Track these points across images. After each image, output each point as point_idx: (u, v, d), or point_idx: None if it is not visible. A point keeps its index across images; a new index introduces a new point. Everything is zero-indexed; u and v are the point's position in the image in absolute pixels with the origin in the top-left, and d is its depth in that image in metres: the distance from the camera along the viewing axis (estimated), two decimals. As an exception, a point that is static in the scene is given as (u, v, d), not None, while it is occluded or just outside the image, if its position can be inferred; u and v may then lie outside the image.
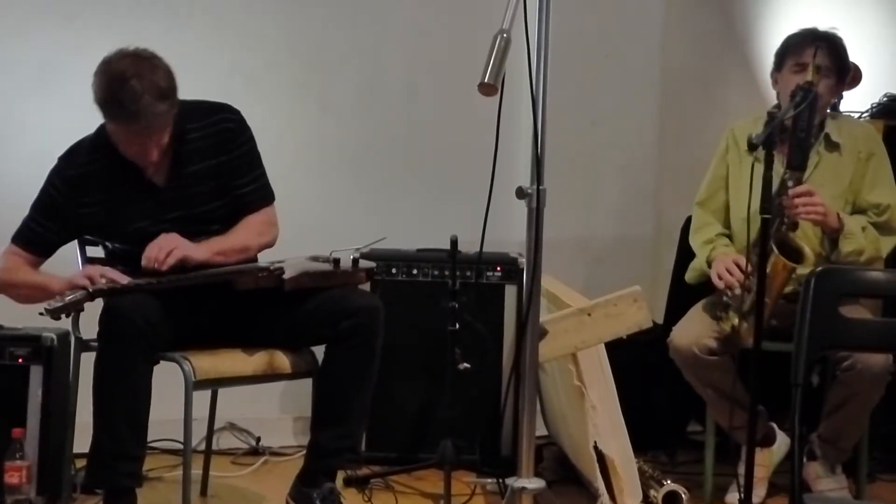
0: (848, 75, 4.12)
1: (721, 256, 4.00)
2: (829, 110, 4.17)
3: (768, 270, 3.68)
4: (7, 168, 4.42)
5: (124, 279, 3.41)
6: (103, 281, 3.39)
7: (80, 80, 4.38)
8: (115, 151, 3.51)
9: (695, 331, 3.94)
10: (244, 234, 3.64)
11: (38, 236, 3.57)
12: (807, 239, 3.93)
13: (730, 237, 4.14)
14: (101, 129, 3.55)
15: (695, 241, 4.20)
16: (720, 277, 3.90)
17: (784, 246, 3.76)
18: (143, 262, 3.42)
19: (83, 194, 3.53)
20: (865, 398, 3.83)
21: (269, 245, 3.70)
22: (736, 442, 3.99)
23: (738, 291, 3.82)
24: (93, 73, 3.40)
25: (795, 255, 3.76)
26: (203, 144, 3.59)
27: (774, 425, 4.11)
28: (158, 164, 3.54)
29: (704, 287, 4.09)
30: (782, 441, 4.11)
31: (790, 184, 3.77)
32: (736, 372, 3.88)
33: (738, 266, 3.85)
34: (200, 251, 3.50)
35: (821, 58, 3.94)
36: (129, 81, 3.33)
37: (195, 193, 3.58)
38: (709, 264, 4.03)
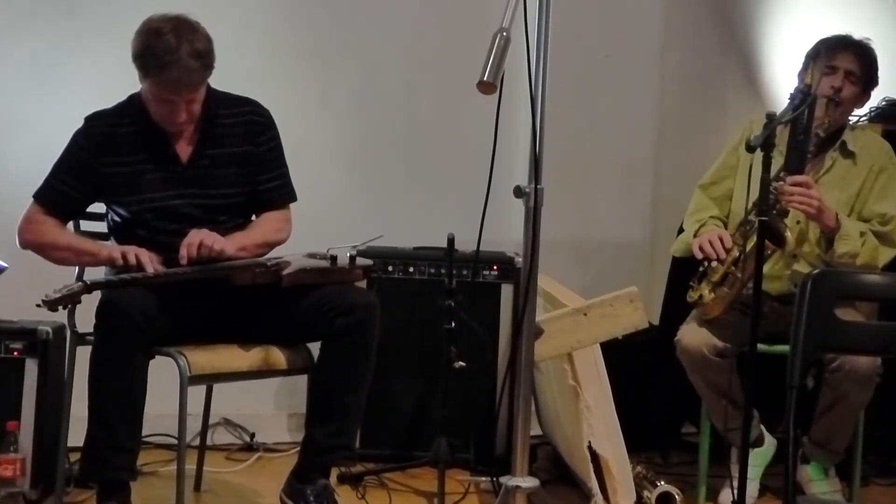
0: (874, 87, 4.12)
1: (707, 231, 4.02)
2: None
3: (748, 249, 3.71)
4: (6, 164, 4.42)
5: (161, 270, 3.43)
6: (150, 268, 3.41)
7: (79, 76, 4.42)
8: (143, 119, 3.56)
9: (704, 332, 3.95)
10: (264, 230, 3.70)
11: (61, 195, 3.58)
12: (806, 240, 3.95)
13: (725, 225, 4.14)
14: (132, 97, 3.61)
15: (687, 221, 4.22)
16: (701, 248, 3.92)
17: (768, 229, 3.76)
18: (182, 251, 3.44)
19: (107, 154, 3.56)
20: (853, 400, 3.83)
21: (282, 242, 3.74)
22: (729, 444, 4.00)
23: (714, 264, 3.85)
24: (134, 32, 3.48)
25: (778, 239, 3.76)
26: (231, 131, 3.65)
27: (763, 427, 4.11)
28: (187, 139, 3.59)
29: (690, 263, 4.10)
30: (770, 443, 4.12)
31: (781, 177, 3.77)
32: (731, 373, 3.89)
33: (722, 241, 3.87)
34: (230, 246, 3.53)
35: (851, 63, 3.96)
36: (165, 36, 3.42)
37: (215, 175, 3.62)
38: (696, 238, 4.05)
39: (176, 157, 3.60)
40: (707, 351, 3.88)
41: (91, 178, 3.58)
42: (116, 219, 3.64)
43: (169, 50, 3.40)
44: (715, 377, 3.91)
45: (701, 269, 3.93)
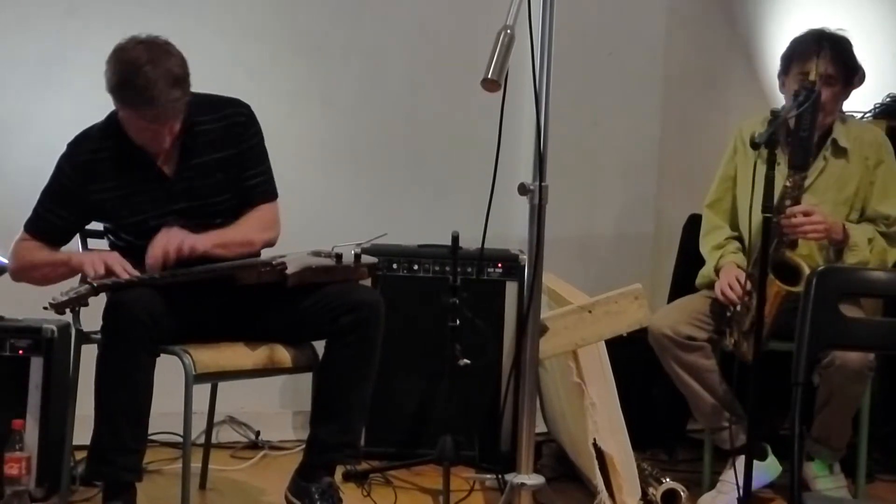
0: (856, 77, 4.09)
1: (727, 268, 4.02)
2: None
3: (768, 291, 3.67)
4: (11, 162, 4.42)
5: (135, 274, 3.39)
6: (123, 275, 3.38)
7: (82, 74, 4.41)
8: (125, 139, 3.51)
9: (673, 316, 3.99)
10: (246, 228, 3.65)
11: (49, 224, 3.57)
12: (809, 249, 3.95)
13: (740, 239, 4.14)
14: (111, 116, 3.55)
15: (704, 246, 4.20)
16: (723, 293, 3.92)
17: (782, 265, 3.77)
18: (149, 263, 3.42)
19: (93, 180, 3.53)
20: (847, 394, 3.83)
21: (272, 243, 3.70)
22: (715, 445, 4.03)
23: (739, 308, 3.84)
24: (105, 62, 3.40)
25: (793, 273, 3.76)
26: (212, 137, 3.61)
27: (768, 447, 4.07)
28: (168, 154, 3.55)
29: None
30: (772, 462, 4.03)
31: (788, 202, 3.76)
32: (708, 358, 3.94)
33: (740, 282, 3.87)
34: (203, 241, 3.50)
35: (824, 66, 3.92)
36: (143, 68, 3.34)
37: (202, 185, 3.59)
38: (717, 272, 4.05)
39: (161, 175, 3.55)
40: (672, 333, 3.92)
41: (78, 206, 3.55)
42: (109, 226, 3.63)
43: (148, 85, 3.32)
44: (687, 359, 3.92)
45: (728, 313, 3.93)
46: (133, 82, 3.34)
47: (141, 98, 3.35)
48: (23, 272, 3.59)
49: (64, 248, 3.63)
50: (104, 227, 3.67)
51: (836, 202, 4.00)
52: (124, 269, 3.40)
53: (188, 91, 3.45)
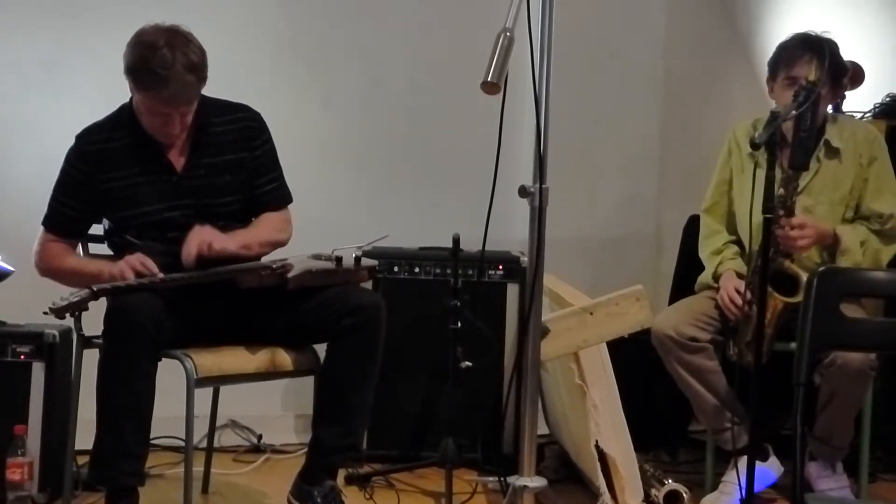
0: (844, 76, 4.10)
1: (726, 277, 4.03)
2: (829, 111, 4.15)
3: (769, 305, 3.66)
4: (14, 166, 4.43)
5: (157, 272, 3.42)
6: (134, 275, 3.40)
7: (84, 77, 4.43)
8: (135, 131, 3.55)
9: (676, 317, 3.99)
10: (266, 229, 3.70)
11: (64, 217, 3.60)
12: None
13: (738, 243, 4.14)
14: (122, 108, 3.61)
15: (703, 252, 4.21)
16: (725, 305, 3.94)
17: (779, 276, 3.77)
18: (184, 257, 3.46)
19: (101, 170, 3.55)
20: (849, 394, 3.83)
21: (284, 243, 3.74)
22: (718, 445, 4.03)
23: (740, 319, 3.84)
24: (126, 45, 3.46)
25: (791, 282, 3.76)
26: (224, 139, 3.65)
27: (769, 448, 4.07)
28: (179, 148, 3.59)
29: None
30: (773, 462, 4.05)
31: (781, 212, 3.75)
32: (710, 359, 3.94)
33: (740, 293, 3.87)
34: (232, 243, 3.53)
35: (808, 70, 3.92)
36: (161, 49, 3.40)
37: (211, 185, 3.62)
38: (716, 278, 4.05)
39: (170, 168, 3.59)
40: (675, 334, 3.92)
41: (89, 196, 3.58)
42: (112, 225, 3.64)
43: (165, 65, 3.38)
44: (690, 360, 3.93)
45: (730, 323, 3.94)
46: (150, 62, 3.39)
47: (156, 77, 3.39)
48: (51, 274, 3.63)
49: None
50: (105, 230, 3.68)
51: (832, 202, 4.01)
52: (148, 267, 3.42)
53: (204, 80, 3.49)
